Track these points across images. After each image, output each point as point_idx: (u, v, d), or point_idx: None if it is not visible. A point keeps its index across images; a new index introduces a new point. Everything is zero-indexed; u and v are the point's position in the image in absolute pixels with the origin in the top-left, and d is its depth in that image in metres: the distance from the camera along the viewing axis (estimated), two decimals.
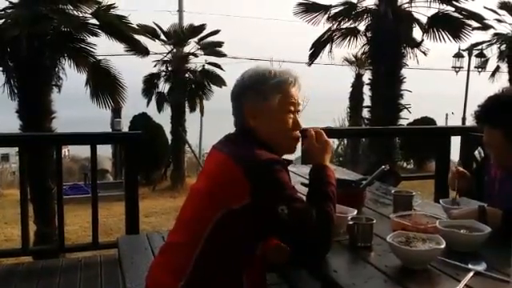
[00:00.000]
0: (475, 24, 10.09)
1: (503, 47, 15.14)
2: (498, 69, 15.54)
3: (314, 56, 10.41)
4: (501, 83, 15.21)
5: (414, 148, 13.69)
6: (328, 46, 10.27)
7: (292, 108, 1.68)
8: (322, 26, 10.02)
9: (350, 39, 10.13)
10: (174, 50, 14.57)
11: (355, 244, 1.66)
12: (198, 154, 16.77)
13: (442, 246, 1.49)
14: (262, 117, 1.66)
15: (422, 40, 9.70)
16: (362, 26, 10.08)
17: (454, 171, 2.19)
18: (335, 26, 10.07)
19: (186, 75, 14.71)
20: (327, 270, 1.49)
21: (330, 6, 9.98)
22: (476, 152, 4.16)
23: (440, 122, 17.44)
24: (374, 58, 9.87)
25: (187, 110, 14.77)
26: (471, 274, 1.42)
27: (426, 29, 9.56)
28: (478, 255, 1.53)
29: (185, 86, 14.54)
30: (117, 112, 14.46)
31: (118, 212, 7.38)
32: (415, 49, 9.72)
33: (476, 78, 16.76)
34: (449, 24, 9.47)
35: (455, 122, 19.73)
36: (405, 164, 14.83)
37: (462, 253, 1.55)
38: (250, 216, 1.50)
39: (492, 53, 15.75)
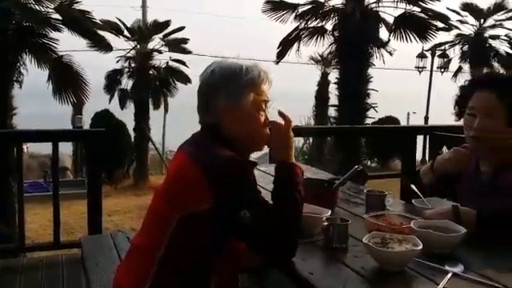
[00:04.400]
0: (440, 24, 10.32)
1: (465, 48, 15.56)
2: (460, 69, 15.96)
3: (281, 54, 10.44)
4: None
5: (378, 147, 13.90)
6: (296, 45, 10.33)
7: (264, 105, 1.64)
8: (289, 24, 10.08)
9: (317, 38, 10.21)
10: (138, 46, 14.35)
11: (331, 245, 1.62)
12: (162, 151, 16.56)
13: (419, 248, 1.46)
14: (234, 115, 1.59)
15: (389, 40, 9.89)
16: (329, 25, 10.18)
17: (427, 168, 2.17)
18: (303, 25, 10.12)
19: (150, 72, 14.53)
20: (303, 273, 1.44)
21: (298, 5, 10.03)
22: (441, 151, 4.22)
23: (403, 121, 17.77)
24: (341, 57, 9.98)
25: (151, 107, 14.58)
26: (449, 275, 1.40)
27: (392, 29, 9.71)
28: (454, 256, 1.52)
29: (149, 83, 14.36)
30: (78, 108, 14.13)
31: (79, 210, 7.18)
32: (381, 49, 9.87)
33: (439, 78, 17.16)
34: (415, 24, 9.65)
35: (417, 121, 20.13)
36: (369, 162, 15.03)
37: (437, 254, 1.53)
38: (211, 219, 1.45)
39: (454, 53, 16.19)
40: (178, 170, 1.59)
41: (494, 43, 15.93)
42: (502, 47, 15.82)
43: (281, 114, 1.65)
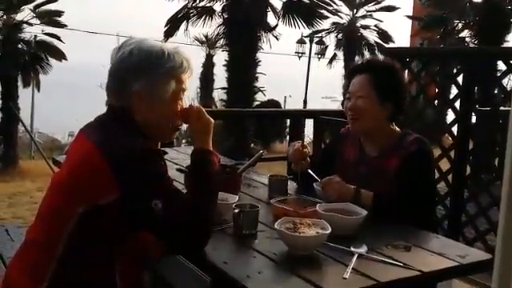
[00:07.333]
0: (325, 12, 10.78)
1: (340, 36, 16.52)
2: (335, 56, 16.92)
3: (169, 34, 10.17)
4: (337, 69, 16.57)
5: (260, 129, 14.24)
6: (184, 24, 10.11)
7: (182, 95, 1.58)
8: (176, 3, 9.83)
9: (205, 18, 10.06)
10: (5, 17, 13.14)
11: (240, 232, 1.61)
12: (32, 133, 15.39)
13: (328, 231, 1.50)
14: (148, 101, 1.50)
15: (276, 25, 10.09)
16: (218, 7, 10.09)
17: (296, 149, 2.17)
18: (191, 4, 9.93)
19: (19, 46, 13.39)
20: (217, 262, 1.41)
21: None
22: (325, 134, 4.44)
23: (282, 105, 18.34)
24: (230, 39, 9.95)
25: (20, 84, 13.47)
26: (355, 257, 1.46)
27: (281, 14, 9.91)
28: (358, 238, 1.58)
29: (17, 58, 13.22)
30: None
31: None
32: (268, 33, 10.03)
33: (316, 63, 17.95)
34: (302, 11, 9.94)
35: (293, 104, 20.93)
36: (252, 145, 15.34)
37: (342, 236, 1.57)
38: (119, 211, 1.37)
39: (330, 41, 17.11)
40: (81, 159, 1.46)
41: (365, 33, 17.14)
42: (372, 37, 17.09)
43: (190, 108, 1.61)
